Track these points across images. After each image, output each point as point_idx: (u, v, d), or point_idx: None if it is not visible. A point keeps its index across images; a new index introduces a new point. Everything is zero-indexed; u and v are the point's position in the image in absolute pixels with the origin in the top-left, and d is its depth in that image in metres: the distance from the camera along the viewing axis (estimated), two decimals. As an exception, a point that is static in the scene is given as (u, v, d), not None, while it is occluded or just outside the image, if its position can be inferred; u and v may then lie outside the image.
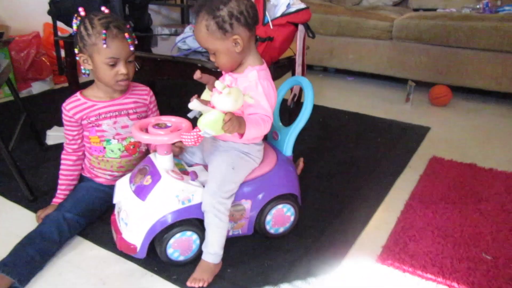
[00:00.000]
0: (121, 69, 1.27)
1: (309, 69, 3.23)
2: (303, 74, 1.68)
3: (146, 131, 1.14)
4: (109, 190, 1.38)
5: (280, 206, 1.27)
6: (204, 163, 1.28)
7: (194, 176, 1.16)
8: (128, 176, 1.24)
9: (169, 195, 1.11)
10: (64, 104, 1.33)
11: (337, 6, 3.16)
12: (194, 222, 1.17)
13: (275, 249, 1.27)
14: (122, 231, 1.17)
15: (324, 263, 1.22)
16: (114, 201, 1.25)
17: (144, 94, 1.43)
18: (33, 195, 1.47)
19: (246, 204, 1.22)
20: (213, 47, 1.10)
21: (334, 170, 1.76)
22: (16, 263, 1.12)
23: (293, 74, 1.83)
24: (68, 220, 1.26)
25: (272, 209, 1.26)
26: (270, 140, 1.42)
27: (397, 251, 1.27)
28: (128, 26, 1.28)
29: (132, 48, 1.27)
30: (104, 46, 1.22)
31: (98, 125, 1.34)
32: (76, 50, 1.28)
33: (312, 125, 2.20)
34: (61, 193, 1.39)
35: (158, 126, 1.12)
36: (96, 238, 1.29)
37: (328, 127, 2.23)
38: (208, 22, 1.06)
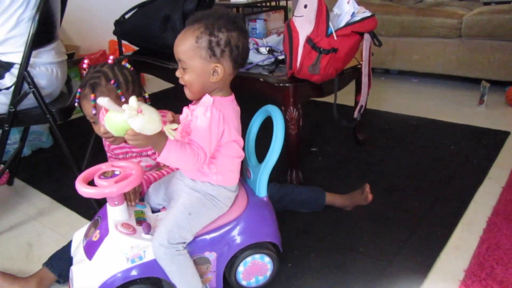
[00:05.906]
0: (99, 128, 1.09)
1: (370, 72, 3.11)
2: (369, 84, 1.60)
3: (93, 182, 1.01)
4: None
5: (253, 258, 1.11)
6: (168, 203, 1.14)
7: (147, 229, 1.02)
8: (86, 227, 1.14)
9: (116, 253, 0.99)
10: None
11: (399, 5, 3.02)
12: (150, 278, 1.03)
13: (344, 271, 1.21)
14: None
15: (401, 288, 1.14)
16: (72, 254, 1.15)
17: None
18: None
19: (211, 256, 1.07)
20: (189, 62, 0.96)
21: (404, 183, 1.66)
22: (61, 259, 1.18)
23: (357, 84, 1.76)
24: None
25: (243, 260, 1.10)
26: (243, 179, 1.24)
27: (483, 276, 1.16)
28: (113, 81, 1.15)
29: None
30: (76, 104, 1.22)
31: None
32: None
33: (377, 133, 2.10)
34: None
35: (104, 176, 1.00)
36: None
37: (394, 135, 2.11)
38: (201, 36, 0.94)
